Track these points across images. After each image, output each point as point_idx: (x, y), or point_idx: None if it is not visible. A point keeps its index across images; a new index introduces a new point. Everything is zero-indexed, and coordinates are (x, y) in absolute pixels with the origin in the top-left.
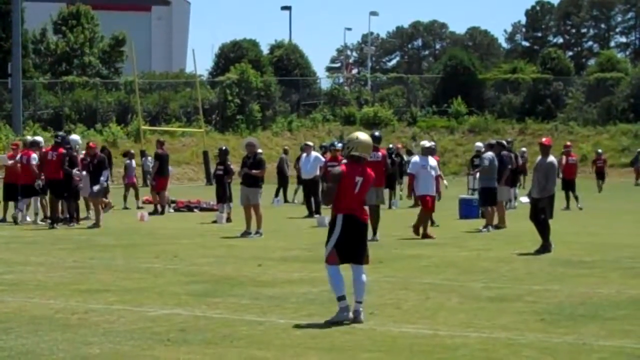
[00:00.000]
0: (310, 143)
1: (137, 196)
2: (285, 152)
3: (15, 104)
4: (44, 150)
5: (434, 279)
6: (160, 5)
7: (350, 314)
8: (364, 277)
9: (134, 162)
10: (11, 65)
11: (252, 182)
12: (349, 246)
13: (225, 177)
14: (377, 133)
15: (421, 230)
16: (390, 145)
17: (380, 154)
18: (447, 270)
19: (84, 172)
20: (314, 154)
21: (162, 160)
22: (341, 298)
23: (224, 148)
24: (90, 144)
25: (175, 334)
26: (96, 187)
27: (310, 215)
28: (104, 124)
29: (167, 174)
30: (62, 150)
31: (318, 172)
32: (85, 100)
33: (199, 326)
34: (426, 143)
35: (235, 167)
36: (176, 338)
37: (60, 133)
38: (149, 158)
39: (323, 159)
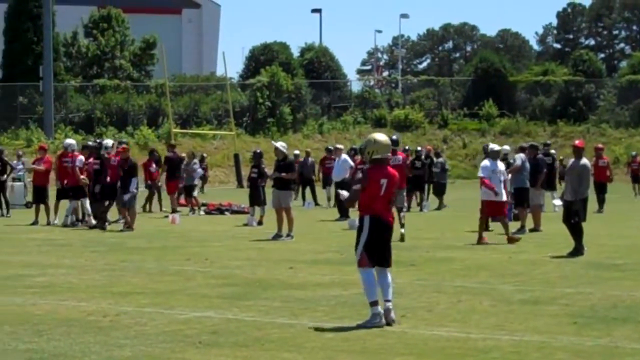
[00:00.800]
0: (340, 146)
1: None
2: (307, 154)
3: (47, 107)
4: (106, 155)
5: (465, 282)
6: (190, 8)
7: (383, 320)
8: (389, 277)
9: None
10: (42, 69)
11: (284, 185)
12: (377, 248)
13: (260, 180)
14: (394, 137)
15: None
16: (419, 148)
17: (400, 157)
18: (478, 273)
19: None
20: (342, 156)
21: (171, 164)
22: (374, 303)
23: (258, 151)
24: (123, 146)
25: (207, 337)
26: (127, 196)
27: (342, 217)
28: (135, 126)
29: (178, 177)
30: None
31: (347, 175)
32: (116, 103)
33: (230, 329)
34: (495, 146)
35: (269, 170)
36: (207, 341)
37: (123, 140)
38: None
39: (351, 162)
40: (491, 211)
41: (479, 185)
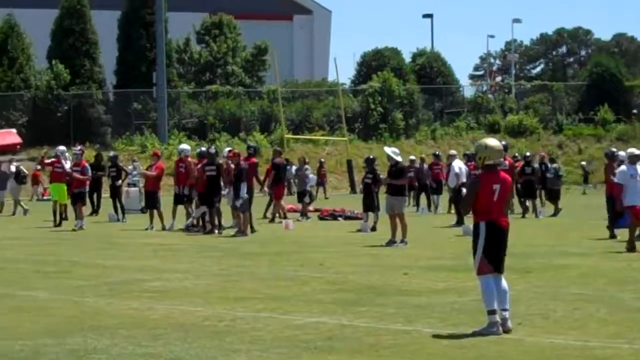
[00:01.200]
0: (454, 152)
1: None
2: (422, 160)
3: (160, 113)
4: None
5: (582, 290)
6: (302, 14)
7: (500, 329)
8: (505, 284)
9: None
10: (156, 75)
11: (397, 191)
12: (495, 254)
13: (373, 186)
14: (503, 142)
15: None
16: (527, 153)
17: (506, 162)
18: (596, 280)
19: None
20: (453, 162)
21: (278, 170)
22: (492, 312)
23: (371, 157)
24: (234, 151)
25: (322, 342)
26: (238, 202)
27: (458, 224)
28: (248, 132)
29: (283, 182)
30: (254, 160)
31: (458, 181)
32: (228, 109)
33: (345, 335)
34: (635, 150)
35: (383, 175)
36: (323, 346)
37: (252, 144)
38: (293, 167)
39: (456, 169)
40: (634, 215)
41: (606, 190)
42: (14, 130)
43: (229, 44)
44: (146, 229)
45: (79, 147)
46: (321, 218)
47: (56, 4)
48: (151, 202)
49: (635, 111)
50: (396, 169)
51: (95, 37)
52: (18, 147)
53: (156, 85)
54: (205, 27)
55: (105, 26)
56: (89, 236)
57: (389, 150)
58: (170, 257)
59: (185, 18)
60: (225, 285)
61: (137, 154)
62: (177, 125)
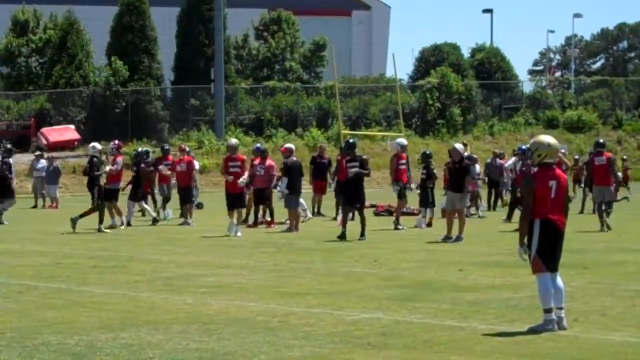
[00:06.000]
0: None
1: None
2: (495, 155)
3: (218, 109)
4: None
5: None
6: (360, 10)
7: (556, 327)
8: (560, 282)
9: None
10: (214, 71)
11: (459, 187)
12: (549, 253)
13: (428, 182)
14: (601, 140)
15: None
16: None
17: (604, 157)
18: None
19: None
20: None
21: (318, 167)
22: (548, 310)
23: (427, 152)
24: (286, 146)
25: (375, 338)
26: (279, 196)
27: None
28: (305, 128)
29: (324, 178)
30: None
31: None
32: (286, 105)
33: (399, 331)
34: None
35: (439, 171)
36: (376, 342)
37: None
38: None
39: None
40: None
41: None
42: (72, 127)
43: (287, 40)
44: (182, 224)
45: (115, 142)
46: (377, 214)
47: (116, 1)
48: (186, 197)
49: None
50: (460, 166)
51: (154, 34)
52: (76, 143)
53: (214, 82)
54: (264, 23)
55: (163, 23)
56: (146, 232)
57: (457, 145)
58: (225, 252)
59: (244, 14)
60: (280, 280)
61: (194, 150)
62: (234, 121)
